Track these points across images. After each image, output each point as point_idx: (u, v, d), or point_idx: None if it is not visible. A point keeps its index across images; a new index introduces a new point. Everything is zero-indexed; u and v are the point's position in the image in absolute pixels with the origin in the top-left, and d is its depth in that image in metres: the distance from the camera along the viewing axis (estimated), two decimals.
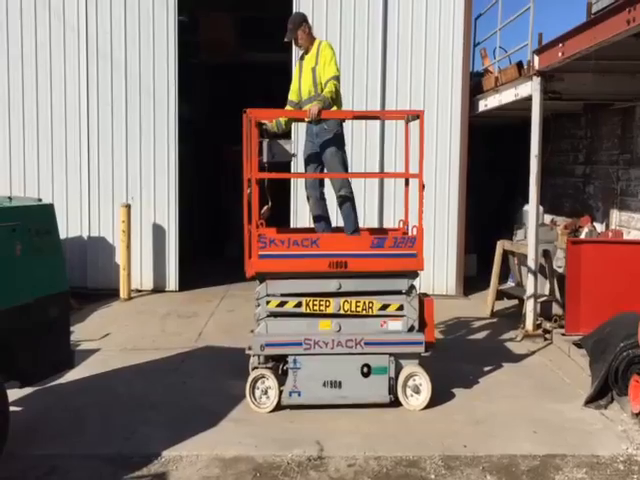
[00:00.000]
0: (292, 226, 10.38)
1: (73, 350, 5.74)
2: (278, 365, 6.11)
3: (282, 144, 6.43)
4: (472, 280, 11.60)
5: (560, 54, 7.71)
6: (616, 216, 10.15)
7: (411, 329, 6.12)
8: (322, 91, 6.38)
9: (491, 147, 13.60)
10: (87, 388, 6.62)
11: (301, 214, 10.55)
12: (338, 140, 6.55)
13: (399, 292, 6.14)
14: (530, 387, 6.78)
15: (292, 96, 6.76)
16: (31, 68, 10.90)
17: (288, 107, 6.78)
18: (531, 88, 8.77)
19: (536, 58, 8.53)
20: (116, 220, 10.83)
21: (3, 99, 10.91)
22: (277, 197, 6.72)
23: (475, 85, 11.47)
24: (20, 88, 10.91)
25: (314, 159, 6.65)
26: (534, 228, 8.74)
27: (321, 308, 6.05)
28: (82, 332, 8.52)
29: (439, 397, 6.22)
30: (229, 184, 15.34)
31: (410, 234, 6.28)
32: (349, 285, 6.11)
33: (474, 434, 5.60)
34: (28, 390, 5.90)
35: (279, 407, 6.03)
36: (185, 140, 11.69)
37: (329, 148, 6.50)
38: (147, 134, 11.06)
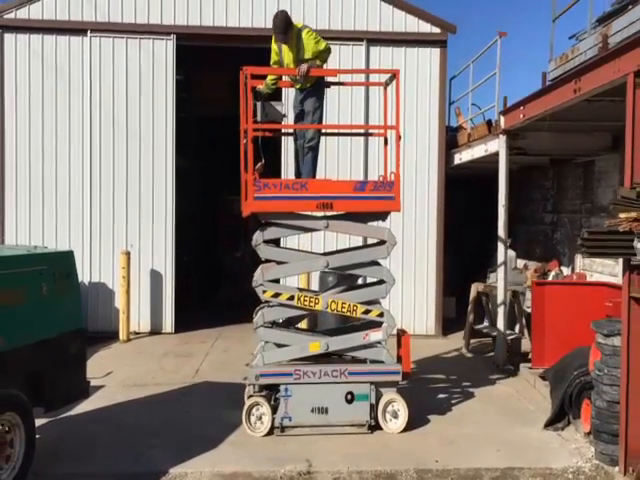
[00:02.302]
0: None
1: (89, 381, 6.40)
2: (271, 393, 6.79)
3: (274, 105, 7.22)
4: (451, 321, 12.36)
5: (521, 116, 8.67)
6: (580, 260, 10.99)
7: (388, 354, 6.88)
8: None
9: (468, 196, 14.45)
10: (96, 419, 7.24)
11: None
12: (318, 92, 7.23)
13: (378, 263, 6.99)
14: (497, 413, 7.50)
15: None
16: (38, 123, 11.74)
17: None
18: (498, 145, 9.71)
19: (502, 118, 9.50)
20: (116, 266, 11.55)
21: (11, 152, 11.70)
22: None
23: (450, 140, 12.39)
24: (27, 141, 11.73)
25: (301, 117, 7.42)
26: (503, 272, 9.54)
27: (311, 304, 6.85)
28: None
29: (415, 422, 6.93)
30: (223, 232, 16.09)
31: (389, 179, 7.03)
32: (335, 261, 7.05)
33: (445, 452, 6.31)
34: (42, 420, 6.53)
35: (272, 431, 6.70)
36: (182, 190, 12.49)
37: (309, 99, 7.21)
38: (146, 185, 11.89)
